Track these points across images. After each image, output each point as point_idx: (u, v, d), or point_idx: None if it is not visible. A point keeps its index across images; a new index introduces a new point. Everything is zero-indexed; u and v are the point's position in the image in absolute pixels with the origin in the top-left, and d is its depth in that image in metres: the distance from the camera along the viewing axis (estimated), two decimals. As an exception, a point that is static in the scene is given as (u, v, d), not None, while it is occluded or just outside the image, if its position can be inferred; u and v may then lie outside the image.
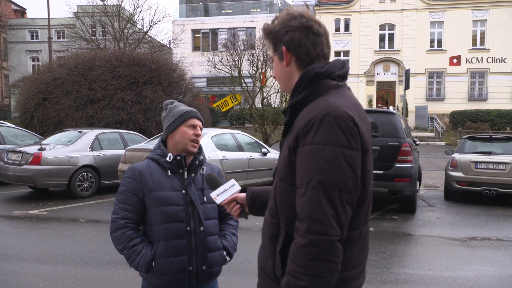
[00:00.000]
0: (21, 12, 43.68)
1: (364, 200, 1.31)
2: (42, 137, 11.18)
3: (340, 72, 1.39)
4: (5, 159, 9.01)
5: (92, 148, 9.34)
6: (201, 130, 2.09)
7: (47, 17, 23.50)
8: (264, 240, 1.44)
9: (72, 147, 9.11)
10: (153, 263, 1.93)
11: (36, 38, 37.85)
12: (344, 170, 1.21)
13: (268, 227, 1.41)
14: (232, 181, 1.72)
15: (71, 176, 8.73)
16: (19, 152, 8.83)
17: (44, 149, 8.70)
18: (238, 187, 1.70)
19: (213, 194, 1.70)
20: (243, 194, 1.69)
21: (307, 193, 1.21)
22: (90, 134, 9.59)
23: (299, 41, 1.38)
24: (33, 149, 8.75)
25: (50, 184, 8.68)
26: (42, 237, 5.93)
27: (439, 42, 30.14)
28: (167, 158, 2.00)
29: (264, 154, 9.96)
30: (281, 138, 1.44)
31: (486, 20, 29.31)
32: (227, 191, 1.69)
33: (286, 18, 1.40)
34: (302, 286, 1.19)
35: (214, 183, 1.74)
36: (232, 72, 19.02)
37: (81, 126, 13.93)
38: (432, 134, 26.97)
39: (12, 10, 41.15)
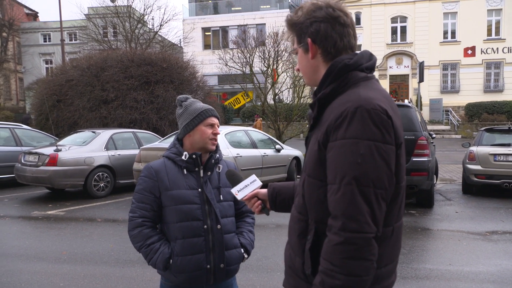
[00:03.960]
0: (33, 15, 44.24)
1: (397, 195, 1.27)
2: (57, 138, 11.30)
3: (368, 63, 1.34)
4: (22, 161, 9.13)
5: (107, 148, 9.41)
6: (218, 127, 2.06)
7: (59, 19, 23.75)
8: (292, 237, 1.40)
9: (87, 147, 9.19)
10: (171, 261, 1.92)
11: (49, 41, 38.29)
12: (378, 165, 1.17)
13: (296, 224, 1.37)
14: (253, 176, 1.69)
15: (87, 176, 8.82)
16: (36, 153, 8.94)
17: (60, 150, 8.79)
18: (259, 183, 1.67)
19: (234, 190, 1.67)
20: (264, 190, 1.66)
21: (340, 189, 1.17)
22: (105, 134, 9.66)
23: (325, 33, 1.33)
24: (49, 151, 8.85)
25: (66, 184, 8.78)
26: (61, 237, 5.99)
27: (453, 33, 29.62)
28: (183, 157, 1.98)
29: (278, 150, 9.92)
30: (308, 132, 1.40)
31: (501, 9, 28.70)
32: (248, 187, 1.66)
33: (311, 9, 1.35)
34: (337, 285, 1.15)
35: (235, 179, 1.71)
36: (244, 69, 18.99)
37: (95, 126, 14.04)
38: (448, 127, 26.58)
39: (24, 14, 41.70)
